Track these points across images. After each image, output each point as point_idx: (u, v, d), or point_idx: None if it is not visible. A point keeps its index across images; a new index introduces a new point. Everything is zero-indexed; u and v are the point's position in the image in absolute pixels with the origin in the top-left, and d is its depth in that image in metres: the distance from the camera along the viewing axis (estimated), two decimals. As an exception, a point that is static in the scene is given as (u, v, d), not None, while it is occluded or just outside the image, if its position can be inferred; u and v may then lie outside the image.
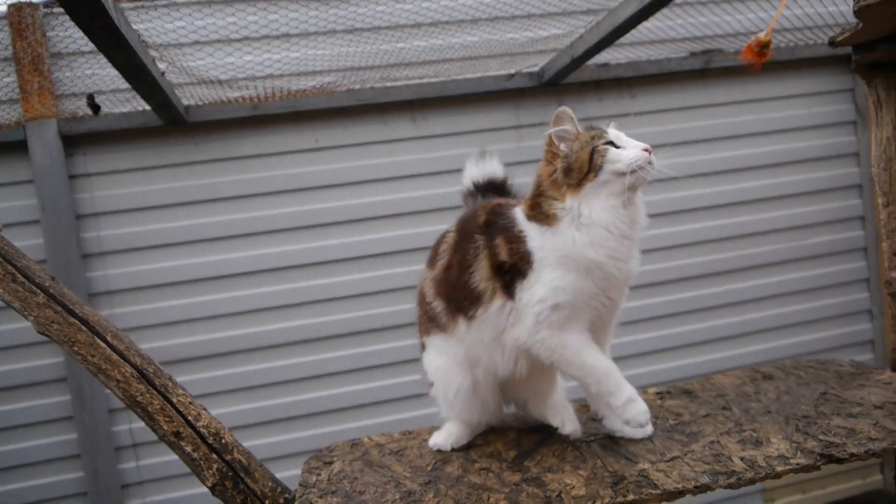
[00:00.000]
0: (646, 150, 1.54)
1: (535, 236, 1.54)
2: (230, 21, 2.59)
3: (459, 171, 3.44)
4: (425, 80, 3.41)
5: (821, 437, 1.57)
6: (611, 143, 1.56)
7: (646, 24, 2.90)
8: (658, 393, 1.98)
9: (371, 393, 3.49)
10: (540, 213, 1.55)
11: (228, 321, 3.35)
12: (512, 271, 1.55)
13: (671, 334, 3.80)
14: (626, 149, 1.55)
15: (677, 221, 3.78)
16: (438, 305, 1.66)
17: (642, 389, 2.02)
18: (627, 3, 2.61)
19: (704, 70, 3.76)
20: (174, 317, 3.30)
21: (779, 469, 1.43)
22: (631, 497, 1.37)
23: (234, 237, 3.34)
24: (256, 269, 3.37)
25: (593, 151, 1.53)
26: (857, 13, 1.67)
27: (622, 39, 3.00)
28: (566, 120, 1.60)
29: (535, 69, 3.50)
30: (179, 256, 3.29)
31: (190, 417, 1.56)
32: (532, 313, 1.52)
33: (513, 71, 3.49)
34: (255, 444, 3.31)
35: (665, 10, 3.00)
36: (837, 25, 3.42)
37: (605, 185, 1.52)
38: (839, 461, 1.49)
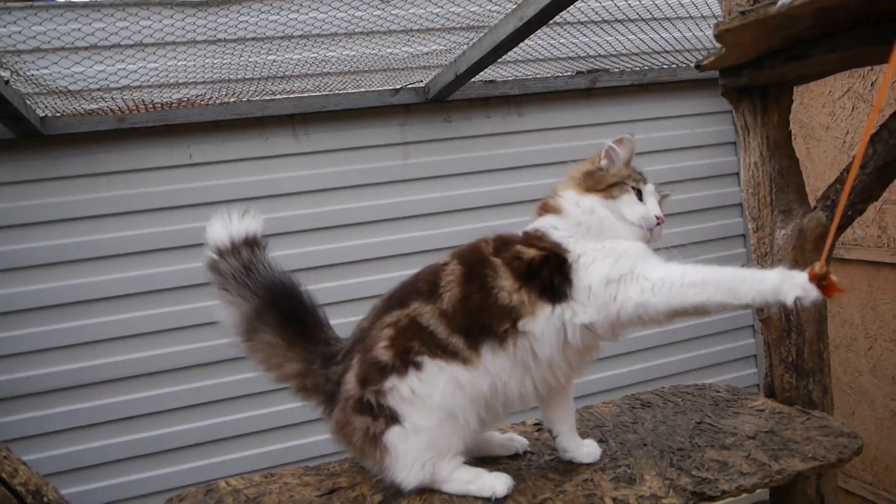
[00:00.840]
0: (658, 218, 1.61)
1: (554, 226, 1.60)
2: (73, 28, 2.38)
3: (344, 188, 3.40)
4: (306, 94, 3.29)
5: (694, 472, 1.54)
6: (639, 191, 1.62)
7: (529, 42, 2.87)
8: (536, 424, 1.92)
9: (230, 426, 3.27)
10: (550, 205, 1.67)
11: (82, 351, 3.06)
12: (547, 265, 1.52)
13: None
14: (644, 204, 1.62)
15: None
16: (456, 340, 1.50)
17: (521, 422, 1.96)
18: (507, 21, 2.56)
19: (590, 89, 3.79)
20: (20, 347, 3.00)
21: (646, 511, 1.39)
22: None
23: (94, 259, 3.09)
24: (114, 294, 3.10)
25: (619, 182, 1.61)
26: (717, 37, 1.67)
27: (507, 56, 2.96)
28: (626, 148, 1.70)
29: (421, 85, 3.43)
30: (39, 280, 3.02)
31: (3, 474, 1.38)
32: (614, 283, 1.47)
33: (398, 86, 3.41)
34: (102, 485, 3.08)
35: (547, 30, 3.00)
36: (716, 48, 3.50)
37: (609, 208, 1.59)
38: (711, 499, 1.46)
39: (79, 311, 3.08)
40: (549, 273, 1.51)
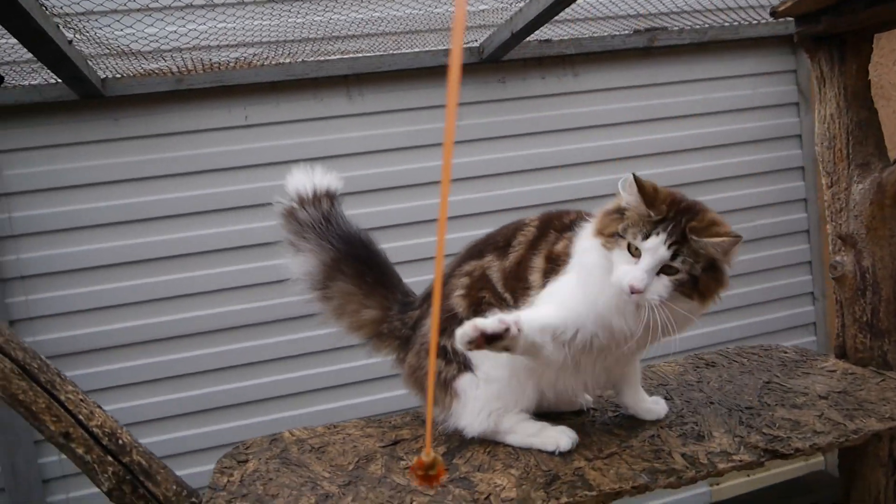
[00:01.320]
0: (633, 288, 1.35)
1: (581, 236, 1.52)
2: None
3: (396, 149, 3.38)
4: (361, 55, 3.26)
5: (765, 430, 1.51)
6: (637, 246, 1.40)
7: (587, -1, 2.81)
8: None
9: (291, 383, 3.34)
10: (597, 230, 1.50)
11: (148, 308, 3.16)
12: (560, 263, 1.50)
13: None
14: (630, 265, 1.38)
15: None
16: (510, 299, 1.51)
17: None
18: (566, -25, 2.50)
19: (648, 48, 3.68)
20: (91, 303, 3.10)
21: (721, 466, 1.36)
22: (564, 500, 1.28)
23: (156, 219, 3.15)
24: (177, 254, 3.18)
25: (617, 234, 1.43)
26: (797, -19, 1.60)
27: (563, 15, 2.89)
28: (627, 192, 1.49)
29: (475, 44, 3.38)
30: (101, 239, 3.09)
31: (81, 416, 1.42)
32: None
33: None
34: (167, 438, 3.18)
35: (607, -15, 2.92)
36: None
37: (604, 257, 1.45)
38: (784, 457, 1.43)
39: (139, 270, 3.14)
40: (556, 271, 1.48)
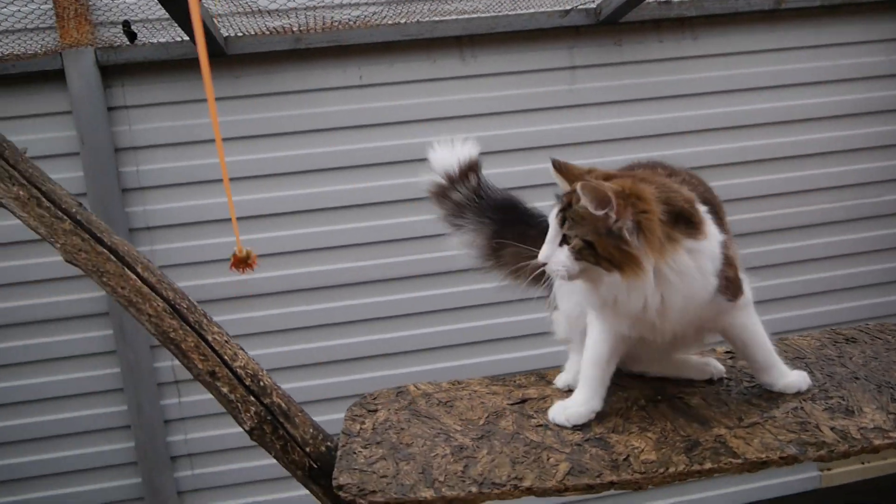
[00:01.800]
0: (539, 260, 1.38)
1: None
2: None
3: (509, 112, 3.35)
4: (475, 16, 3.23)
5: (923, 409, 1.43)
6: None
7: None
8: (728, 352, 1.84)
9: (414, 340, 3.41)
10: None
11: (270, 261, 3.27)
12: None
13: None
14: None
15: (743, 173, 3.56)
16: None
17: (710, 348, 1.90)
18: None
19: (775, 11, 3.50)
20: (215, 255, 3.23)
21: (876, 443, 1.30)
22: (708, 465, 1.25)
23: (275, 175, 3.24)
24: (298, 209, 3.27)
25: None
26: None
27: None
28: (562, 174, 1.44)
29: (592, 6, 3.29)
30: (221, 193, 3.20)
31: (226, 357, 1.47)
32: None
33: (568, 7, 3.29)
34: (293, 386, 3.27)
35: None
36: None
37: None
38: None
39: (259, 224, 3.25)
40: None
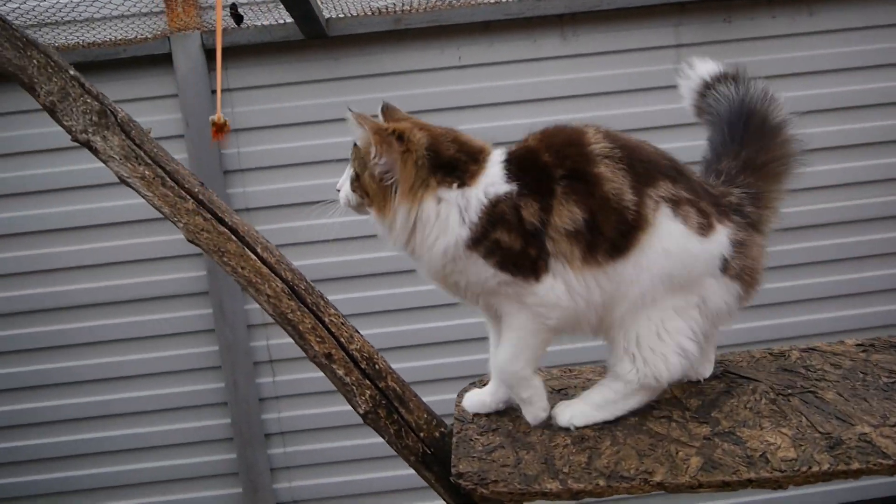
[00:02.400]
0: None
1: None
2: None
3: (612, 93, 3.23)
4: (577, -8, 3.14)
5: None
6: None
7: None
8: (859, 345, 1.71)
9: None
10: None
11: (375, 243, 3.25)
12: None
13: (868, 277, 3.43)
14: None
15: (858, 156, 3.35)
16: None
17: (839, 340, 1.77)
18: None
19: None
20: (314, 236, 3.25)
21: None
22: (856, 465, 1.16)
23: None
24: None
25: None
26: None
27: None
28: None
29: (702, -21, 3.14)
30: (319, 175, 3.21)
31: (342, 339, 1.46)
32: None
33: (676, -19, 3.15)
34: (404, 366, 3.26)
35: None
36: None
37: None
38: None
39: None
40: None
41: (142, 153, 1.42)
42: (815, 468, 1.17)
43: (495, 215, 1.27)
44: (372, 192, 1.35)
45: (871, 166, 3.34)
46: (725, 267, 1.35)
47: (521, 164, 1.33)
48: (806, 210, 3.31)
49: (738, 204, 1.42)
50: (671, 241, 1.29)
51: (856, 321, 3.38)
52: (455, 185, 1.30)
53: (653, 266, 1.28)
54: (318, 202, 3.17)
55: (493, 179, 1.30)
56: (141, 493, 3.42)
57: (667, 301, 1.32)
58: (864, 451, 1.20)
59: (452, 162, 1.32)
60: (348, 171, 1.44)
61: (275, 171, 3.24)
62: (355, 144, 1.40)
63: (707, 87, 1.60)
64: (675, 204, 1.30)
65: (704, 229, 1.31)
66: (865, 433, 1.26)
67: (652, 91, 3.23)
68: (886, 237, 3.38)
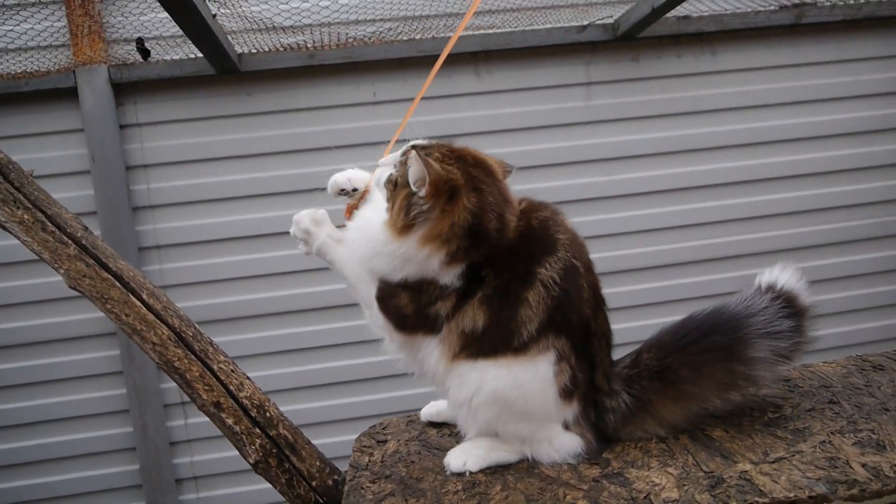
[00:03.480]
0: None
1: None
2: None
3: (525, 129, 3.29)
4: (491, 31, 3.19)
5: (958, 443, 1.35)
6: None
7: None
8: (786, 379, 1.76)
9: None
10: None
11: (282, 280, 3.22)
12: None
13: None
14: None
15: (763, 190, 3.48)
16: None
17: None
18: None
19: (794, 25, 3.44)
20: (225, 274, 3.19)
21: (914, 482, 1.22)
22: (733, 504, 1.18)
23: (288, 193, 3.20)
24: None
25: None
26: None
27: (708, -12, 2.73)
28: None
29: (610, 21, 3.24)
30: (231, 212, 3.16)
31: (232, 387, 1.42)
32: None
33: (585, 22, 3.24)
34: (299, 408, 3.23)
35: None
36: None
37: None
38: None
39: (269, 243, 3.20)
40: None
41: (21, 196, 1.37)
42: (696, 509, 1.18)
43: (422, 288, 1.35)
44: (398, 210, 1.33)
45: (773, 200, 3.48)
46: (567, 426, 1.40)
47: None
48: (703, 244, 3.42)
49: (609, 409, 1.44)
50: (528, 375, 1.33)
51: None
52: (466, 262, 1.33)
53: (494, 379, 1.33)
54: (232, 238, 3.13)
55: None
56: (46, 544, 3.25)
57: (507, 424, 1.38)
58: (743, 489, 1.23)
59: (485, 234, 1.33)
60: (388, 168, 1.44)
61: (186, 208, 3.16)
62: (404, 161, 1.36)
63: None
64: (561, 358, 1.35)
65: (566, 392, 1.37)
66: (746, 470, 1.28)
67: (563, 127, 3.30)
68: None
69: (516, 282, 1.33)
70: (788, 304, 1.48)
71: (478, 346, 1.33)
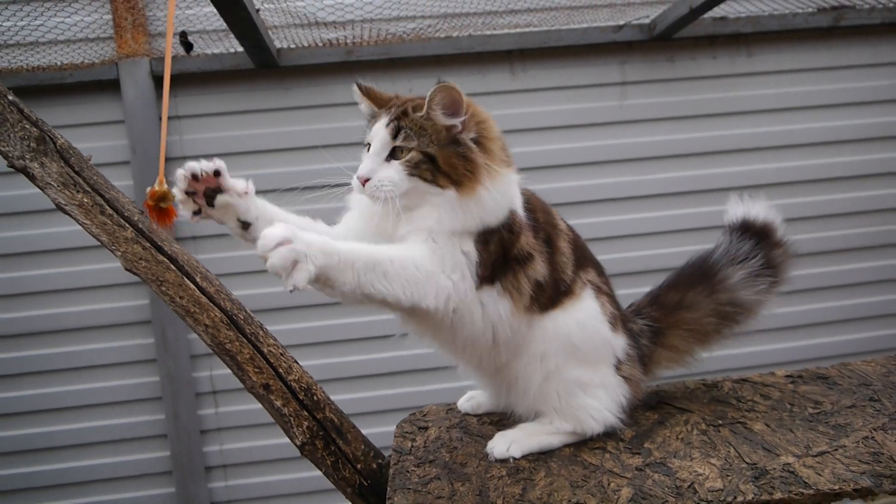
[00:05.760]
0: (359, 178, 1.39)
1: None
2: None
3: (558, 128, 3.30)
4: (527, 30, 3.21)
5: None
6: (367, 141, 1.43)
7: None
8: (788, 376, 1.77)
9: None
10: None
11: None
12: None
13: (796, 312, 3.51)
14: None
15: (797, 192, 3.46)
16: None
17: (770, 371, 1.83)
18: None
19: (832, 28, 3.42)
20: (262, 265, 3.21)
21: (959, 477, 1.23)
22: (778, 495, 1.19)
23: (323, 187, 3.22)
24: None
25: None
26: None
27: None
28: (373, 96, 1.53)
29: (647, 21, 3.24)
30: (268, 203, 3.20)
31: (281, 370, 1.45)
32: None
33: (622, 22, 3.25)
34: (343, 398, 3.22)
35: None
36: None
37: None
38: None
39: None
40: None
41: (80, 180, 1.41)
42: (741, 498, 1.20)
43: (512, 224, 1.35)
44: (458, 167, 1.28)
45: (807, 203, 3.46)
46: (618, 365, 1.47)
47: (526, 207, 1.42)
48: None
49: (638, 332, 1.57)
50: (586, 315, 1.42)
51: (786, 354, 3.47)
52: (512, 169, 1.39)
53: (564, 330, 1.39)
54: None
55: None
56: (77, 529, 3.31)
57: (571, 371, 1.40)
58: (787, 480, 1.24)
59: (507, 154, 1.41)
60: (379, 156, 1.34)
61: (223, 199, 3.20)
62: (396, 120, 1.33)
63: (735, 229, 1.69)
64: (597, 290, 1.47)
65: (614, 322, 1.46)
66: (789, 463, 1.30)
67: (597, 126, 3.31)
68: (813, 272, 3.49)
69: (552, 231, 1.45)
70: (745, 230, 1.65)
71: (541, 296, 1.38)
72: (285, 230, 1.11)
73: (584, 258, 1.49)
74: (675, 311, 1.60)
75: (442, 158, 1.27)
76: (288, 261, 1.10)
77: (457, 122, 1.28)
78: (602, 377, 1.43)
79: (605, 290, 1.49)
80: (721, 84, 3.40)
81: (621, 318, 1.50)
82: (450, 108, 1.28)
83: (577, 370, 1.40)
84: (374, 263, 1.18)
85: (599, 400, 1.43)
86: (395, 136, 1.30)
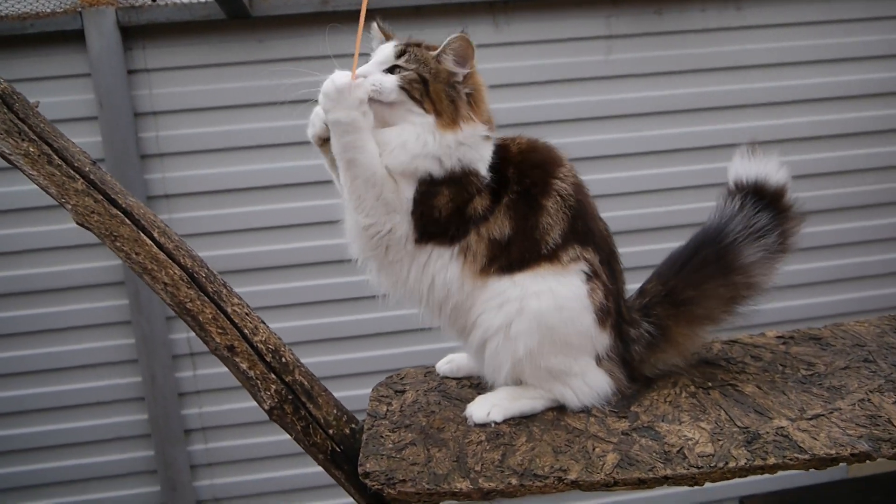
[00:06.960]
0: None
1: None
2: None
3: (542, 83, 3.20)
4: (511, -22, 3.09)
5: None
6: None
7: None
8: (780, 337, 1.71)
9: None
10: None
11: (294, 232, 3.16)
12: None
13: (790, 271, 3.44)
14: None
15: (789, 150, 3.38)
16: None
17: (760, 332, 1.77)
18: None
19: (825, -20, 3.32)
20: (236, 225, 3.13)
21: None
22: (772, 461, 1.14)
23: (298, 144, 3.11)
24: (323, 179, 3.15)
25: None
26: None
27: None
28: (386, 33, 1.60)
29: (632, -30, 3.13)
30: (243, 161, 3.09)
31: (246, 331, 1.36)
32: None
33: (609, -28, 3.13)
34: (315, 360, 3.18)
35: None
36: None
37: None
38: None
39: (282, 194, 3.15)
40: None
41: (25, 128, 1.31)
42: (732, 464, 1.14)
43: (465, 182, 1.34)
44: (442, 102, 1.34)
45: (798, 161, 3.39)
46: (598, 361, 1.38)
47: (496, 160, 1.39)
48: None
49: (634, 338, 1.44)
50: (566, 294, 1.31)
51: (776, 314, 3.43)
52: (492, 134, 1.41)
53: (534, 305, 1.30)
54: (243, 189, 3.07)
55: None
56: (55, 493, 3.24)
57: (546, 358, 1.33)
58: (781, 445, 1.19)
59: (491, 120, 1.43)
60: (378, 66, 1.41)
61: (195, 157, 3.10)
62: (407, 47, 1.42)
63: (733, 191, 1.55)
64: (593, 274, 1.35)
65: (602, 315, 1.35)
66: (783, 427, 1.24)
67: (582, 81, 3.21)
68: (814, 231, 3.44)
69: (535, 188, 1.36)
70: (759, 196, 1.51)
71: (506, 257, 1.32)
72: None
73: (587, 233, 1.37)
74: (688, 306, 1.47)
75: (434, 88, 1.33)
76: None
77: (460, 72, 1.34)
78: (581, 367, 1.36)
79: (602, 279, 1.36)
80: (710, 38, 3.30)
81: (617, 318, 1.40)
82: (461, 57, 1.34)
83: (553, 357, 1.32)
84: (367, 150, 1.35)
85: (580, 384, 1.36)
86: (398, 57, 1.36)
